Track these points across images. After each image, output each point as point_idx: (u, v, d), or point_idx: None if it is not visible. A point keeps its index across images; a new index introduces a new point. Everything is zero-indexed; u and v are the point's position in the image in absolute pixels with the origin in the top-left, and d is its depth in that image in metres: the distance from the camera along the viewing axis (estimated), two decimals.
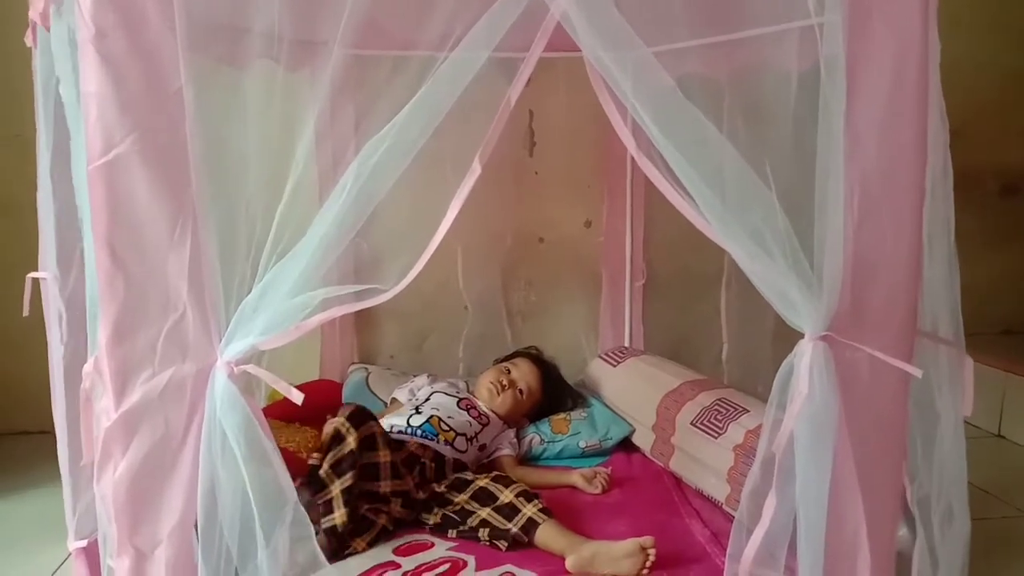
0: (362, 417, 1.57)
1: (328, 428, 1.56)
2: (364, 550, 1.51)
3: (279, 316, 0.96)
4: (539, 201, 2.55)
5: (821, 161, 0.99)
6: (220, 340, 0.97)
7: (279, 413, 1.99)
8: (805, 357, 0.98)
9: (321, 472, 1.50)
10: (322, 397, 2.19)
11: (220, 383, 0.96)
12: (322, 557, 1.03)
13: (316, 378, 2.41)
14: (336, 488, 1.49)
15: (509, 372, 2.07)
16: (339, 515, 1.47)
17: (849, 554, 1.01)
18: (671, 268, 2.56)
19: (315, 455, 1.55)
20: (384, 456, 1.58)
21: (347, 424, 1.53)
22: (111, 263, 0.95)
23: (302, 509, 1.01)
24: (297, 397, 0.97)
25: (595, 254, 2.58)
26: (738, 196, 0.99)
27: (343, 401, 2.22)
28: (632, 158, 2.43)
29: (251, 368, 0.96)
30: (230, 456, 0.94)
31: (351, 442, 1.52)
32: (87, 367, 1.05)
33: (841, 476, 0.99)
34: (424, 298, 2.53)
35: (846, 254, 0.99)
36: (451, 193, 2.63)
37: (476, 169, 1.07)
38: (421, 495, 1.64)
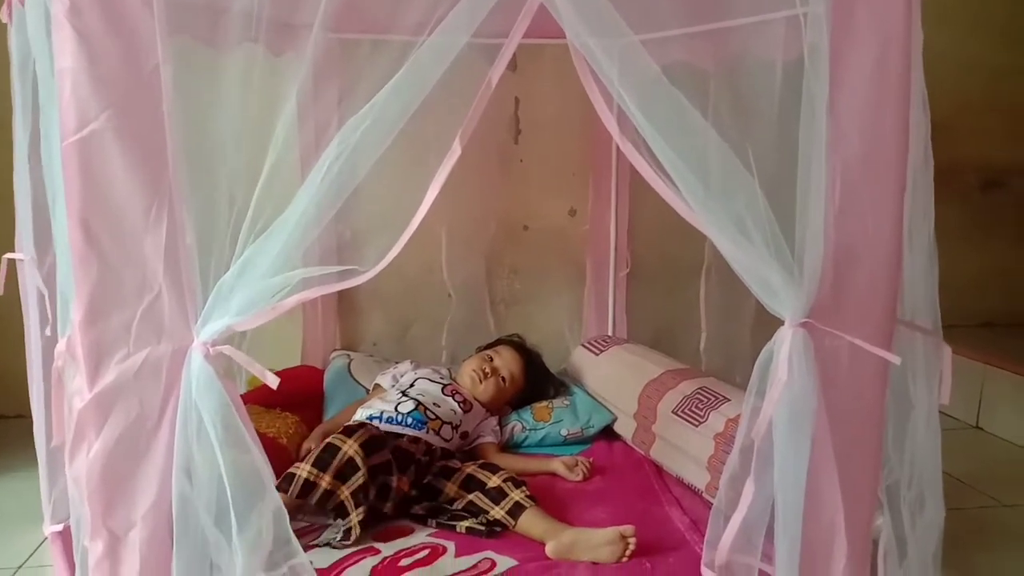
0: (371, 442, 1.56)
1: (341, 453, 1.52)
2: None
3: (256, 296, 0.95)
4: (524, 189, 2.55)
5: (804, 150, 0.99)
6: (196, 321, 0.96)
7: (259, 399, 1.99)
8: (785, 344, 0.98)
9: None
10: (303, 384, 2.20)
11: (196, 364, 0.95)
12: (298, 544, 1.03)
13: (297, 364, 2.40)
14: (345, 492, 1.48)
15: (492, 360, 2.07)
16: (355, 515, 1.47)
17: (826, 541, 1.02)
18: (655, 257, 2.56)
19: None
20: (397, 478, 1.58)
21: (360, 452, 1.51)
22: (85, 242, 0.94)
23: (278, 495, 1.00)
24: (272, 381, 0.96)
25: (580, 243, 2.57)
26: (721, 183, 0.99)
27: (324, 388, 2.21)
28: (617, 147, 2.47)
29: (227, 350, 0.95)
30: (206, 440, 0.93)
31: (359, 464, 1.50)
32: (59, 347, 1.03)
33: (819, 463, 0.99)
34: (407, 285, 2.52)
35: (827, 242, 0.99)
36: (433, 177, 2.61)
37: (456, 150, 1.07)
38: (415, 492, 1.63)
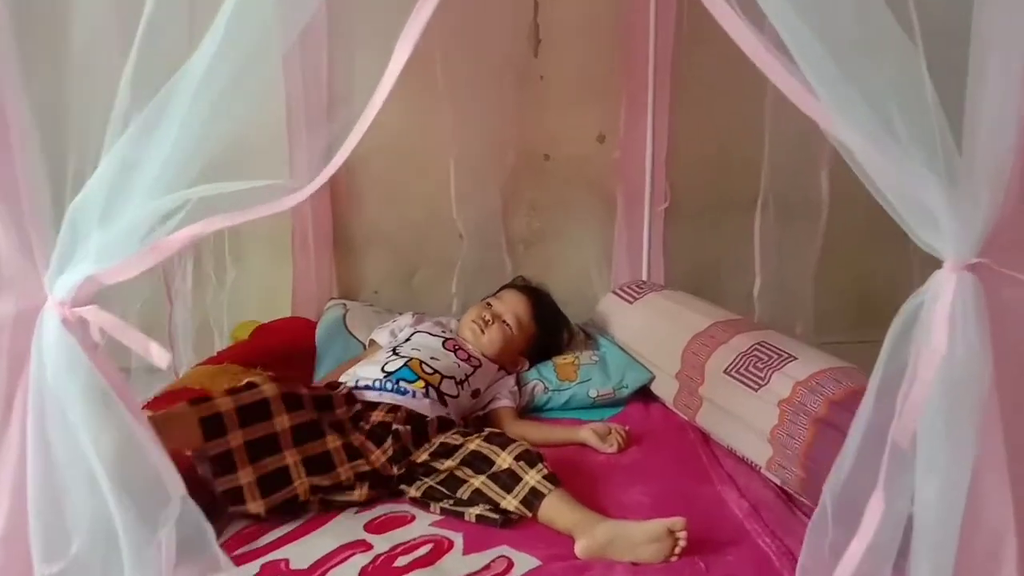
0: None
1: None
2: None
3: (125, 232, 0.64)
4: (545, 111, 2.28)
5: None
6: (48, 269, 0.65)
7: (238, 356, 1.78)
8: (945, 295, 0.67)
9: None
10: (290, 338, 2.00)
11: (51, 331, 0.65)
12: (221, 554, 0.75)
13: (288, 316, 2.17)
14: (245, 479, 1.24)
15: (491, 306, 1.83)
16: (254, 506, 1.24)
17: (986, 559, 0.72)
18: (698, 189, 2.30)
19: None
20: (332, 441, 1.35)
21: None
22: None
23: (192, 504, 0.72)
24: (159, 357, 0.66)
25: (609, 173, 2.33)
26: (861, 51, 0.65)
27: (316, 342, 1.96)
28: (656, 57, 2.15)
29: (89, 312, 0.64)
30: (72, 439, 0.64)
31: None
32: None
33: (986, 461, 0.69)
34: (413, 224, 2.31)
35: (1016, 141, 0.65)
36: (443, 98, 2.30)
37: None
38: (396, 470, 1.38)
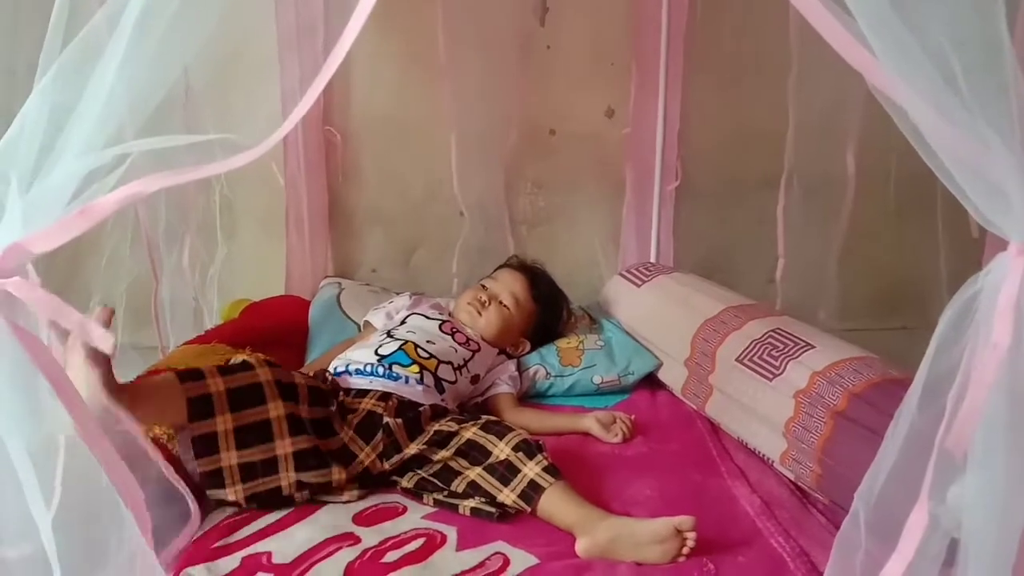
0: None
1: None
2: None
3: (55, 191, 0.55)
4: (551, 83, 2.20)
5: None
6: None
7: (228, 336, 1.70)
8: (1010, 281, 0.57)
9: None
10: (282, 317, 1.92)
11: None
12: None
13: (282, 294, 2.10)
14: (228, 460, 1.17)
15: (486, 288, 1.76)
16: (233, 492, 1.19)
17: None
18: (711, 168, 2.22)
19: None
20: (324, 441, 1.27)
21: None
22: None
23: (144, 515, 0.63)
24: (102, 340, 0.58)
25: (618, 150, 2.25)
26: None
27: (309, 322, 1.88)
28: (669, 27, 2.05)
29: (15, 285, 0.56)
30: None
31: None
32: None
33: None
34: (412, 201, 2.24)
35: None
36: (444, 68, 2.20)
37: None
38: (386, 465, 1.31)
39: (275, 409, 1.21)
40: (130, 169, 0.57)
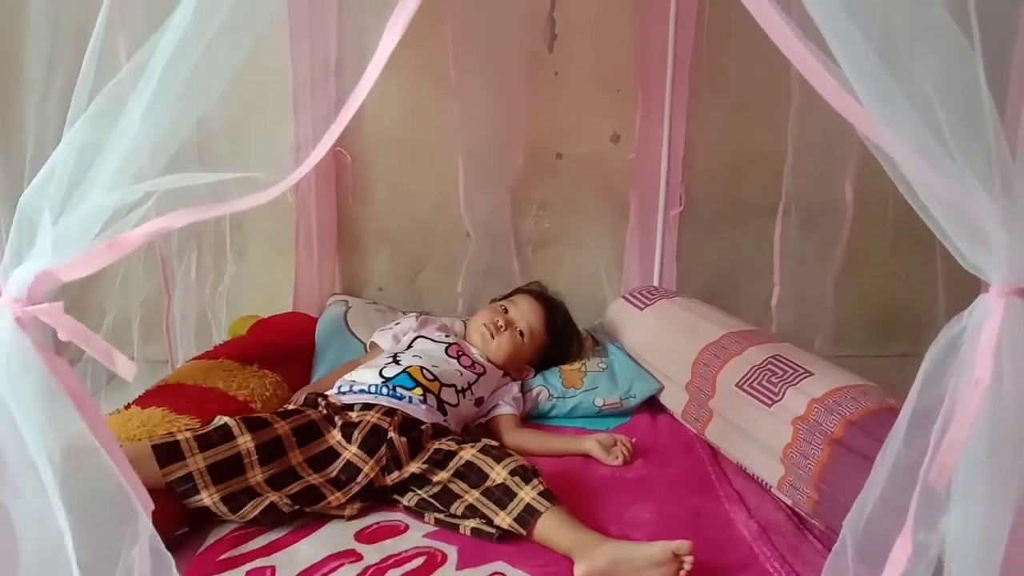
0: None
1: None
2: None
3: (84, 223, 0.58)
4: (558, 108, 2.21)
5: None
6: None
7: (236, 352, 1.72)
8: (992, 321, 0.60)
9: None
10: (290, 334, 1.93)
11: (3, 329, 0.59)
12: None
13: (290, 311, 2.11)
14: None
15: (506, 312, 1.77)
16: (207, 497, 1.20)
17: None
18: (714, 193, 2.23)
19: None
20: (316, 477, 1.30)
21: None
22: None
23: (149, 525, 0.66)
24: (124, 368, 0.61)
25: (623, 174, 2.26)
26: (910, 49, 0.58)
27: (316, 339, 1.90)
28: (675, 56, 2.08)
29: (45, 311, 0.59)
30: (24, 454, 0.58)
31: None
32: None
33: None
34: (420, 221, 2.26)
35: None
36: (453, 92, 2.23)
37: None
38: (388, 480, 1.32)
39: (253, 477, 1.24)
40: (154, 205, 0.60)
